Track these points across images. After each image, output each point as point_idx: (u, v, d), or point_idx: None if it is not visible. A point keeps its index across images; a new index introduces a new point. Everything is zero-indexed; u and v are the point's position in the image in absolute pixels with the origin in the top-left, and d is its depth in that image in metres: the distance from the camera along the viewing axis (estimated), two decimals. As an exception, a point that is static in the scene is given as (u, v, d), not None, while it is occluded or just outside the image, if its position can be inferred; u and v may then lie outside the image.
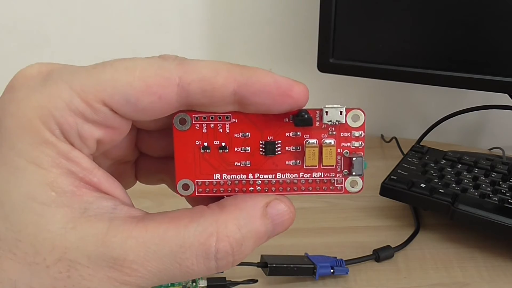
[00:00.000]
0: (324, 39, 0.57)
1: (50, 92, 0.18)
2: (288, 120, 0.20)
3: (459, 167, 0.56)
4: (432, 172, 0.55)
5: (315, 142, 0.20)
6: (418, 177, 0.53)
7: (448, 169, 0.55)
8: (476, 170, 0.55)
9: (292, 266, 0.43)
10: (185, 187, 0.20)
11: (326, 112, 0.20)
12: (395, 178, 0.53)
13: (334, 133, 0.20)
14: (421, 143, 0.65)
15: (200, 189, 0.20)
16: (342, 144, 0.20)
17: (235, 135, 0.20)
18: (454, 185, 0.52)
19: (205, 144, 0.20)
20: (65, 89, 0.18)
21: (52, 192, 0.18)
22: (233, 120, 0.20)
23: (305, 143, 0.20)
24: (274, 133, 0.20)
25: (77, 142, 0.19)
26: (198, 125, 0.20)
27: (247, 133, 0.20)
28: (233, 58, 0.74)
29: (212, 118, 0.20)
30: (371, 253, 0.48)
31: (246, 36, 0.72)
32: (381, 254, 0.48)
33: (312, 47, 0.59)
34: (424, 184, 0.52)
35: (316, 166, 0.20)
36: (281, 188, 0.21)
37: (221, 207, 0.19)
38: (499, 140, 0.75)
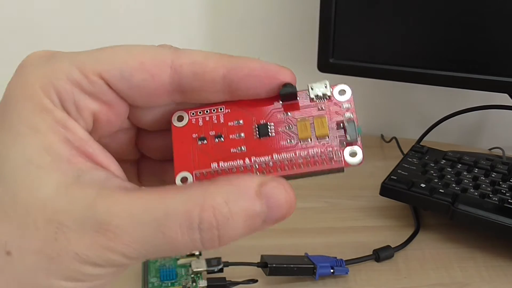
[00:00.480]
0: (324, 39, 0.57)
1: (53, 66, 0.19)
2: (278, 102, 0.21)
3: (459, 167, 0.56)
4: (432, 172, 0.55)
5: (306, 117, 0.20)
6: (418, 177, 0.53)
7: (448, 169, 0.55)
8: (476, 170, 0.55)
9: (292, 266, 0.43)
10: (184, 180, 0.20)
11: (312, 87, 0.21)
12: (395, 178, 0.53)
13: (323, 108, 0.21)
14: (421, 143, 0.65)
15: (198, 180, 0.20)
16: (333, 118, 0.21)
17: (229, 123, 0.21)
18: (454, 185, 0.52)
19: (202, 136, 0.21)
20: (66, 63, 0.19)
21: (48, 157, 0.18)
22: (226, 110, 0.21)
23: (297, 119, 0.20)
24: (266, 117, 0.21)
25: (73, 112, 0.19)
26: (194, 119, 0.21)
27: (240, 120, 0.21)
28: (233, 58, 0.74)
29: (207, 111, 0.21)
30: (371, 253, 0.48)
31: (246, 36, 0.72)
32: (381, 254, 0.48)
33: (312, 47, 0.59)
34: (424, 184, 0.52)
35: (309, 137, 0.20)
36: (279, 168, 0.20)
37: (212, 181, 0.19)
38: (499, 140, 0.75)
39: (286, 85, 0.20)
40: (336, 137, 0.20)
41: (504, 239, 0.49)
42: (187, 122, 0.21)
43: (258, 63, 0.21)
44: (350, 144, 0.20)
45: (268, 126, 0.20)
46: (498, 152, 0.68)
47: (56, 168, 0.18)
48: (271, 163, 0.20)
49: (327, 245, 0.50)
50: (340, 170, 0.20)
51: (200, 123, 0.21)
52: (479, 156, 0.58)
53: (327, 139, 0.20)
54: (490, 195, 0.50)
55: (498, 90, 0.54)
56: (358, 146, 0.20)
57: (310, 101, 0.21)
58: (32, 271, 0.18)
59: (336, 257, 0.46)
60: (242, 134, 0.20)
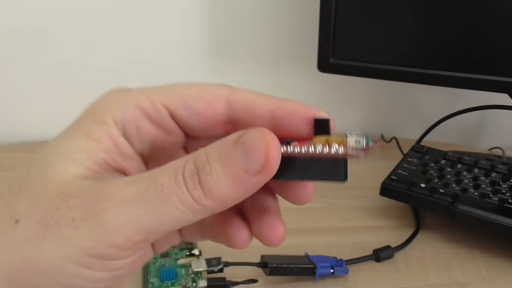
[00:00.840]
0: (324, 39, 0.57)
1: (125, 94, 0.23)
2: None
3: (459, 167, 0.56)
4: (432, 172, 0.55)
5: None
6: (418, 177, 0.53)
7: (448, 169, 0.55)
8: (476, 170, 0.55)
9: (292, 266, 0.43)
10: None
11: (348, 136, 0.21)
12: (395, 178, 0.53)
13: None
14: (421, 143, 0.65)
15: None
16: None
17: None
18: (454, 185, 0.52)
19: None
20: (137, 93, 0.23)
21: (85, 155, 0.21)
22: None
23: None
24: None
25: (133, 133, 0.22)
26: None
27: None
28: (233, 58, 0.74)
29: None
30: (371, 253, 0.48)
31: (246, 36, 0.72)
32: (381, 254, 0.48)
33: (312, 47, 0.59)
34: (424, 184, 0.52)
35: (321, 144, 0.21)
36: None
37: None
38: (499, 140, 0.75)
39: (319, 120, 0.22)
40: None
41: (504, 239, 0.49)
42: None
43: (301, 104, 0.23)
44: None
45: (292, 142, 0.21)
46: (498, 152, 0.68)
47: (86, 166, 0.21)
48: None
49: (327, 245, 0.50)
50: (343, 160, 0.21)
51: None
52: (479, 156, 0.58)
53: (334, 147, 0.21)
54: (490, 195, 0.50)
55: (498, 90, 0.54)
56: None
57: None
58: (31, 239, 0.19)
59: (336, 257, 0.46)
60: None
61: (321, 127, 0.21)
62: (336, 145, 0.20)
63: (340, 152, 0.20)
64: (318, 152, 0.20)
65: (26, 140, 0.75)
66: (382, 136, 0.76)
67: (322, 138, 0.21)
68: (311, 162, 0.20)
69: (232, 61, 0.74)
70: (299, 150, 0.20)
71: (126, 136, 0.22)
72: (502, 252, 0.49)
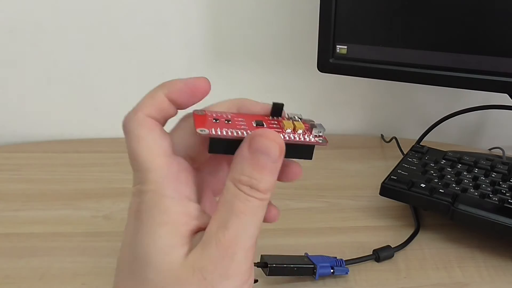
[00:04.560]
0: (324, 39, 0.57)
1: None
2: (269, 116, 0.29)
3: (459, 167, 0.56)
4: (432, 172, 0.55)
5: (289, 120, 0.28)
6: (418, 177, 0.53)
7: (448, 169, 0.55)
8: (476, 170, 0.55)
9: (292, 266, 0.43)
10: (203, 131, 0.26)
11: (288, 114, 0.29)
12: (395, 178, 0.53)
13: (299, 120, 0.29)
14: (421, 143, 0.65)
15: (213, 133, 0.26)
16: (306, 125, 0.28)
17: (235, 118, 0.28)
18: (454, 185, 0.52)
19: (216, 118, 0.27)
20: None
21: (174, 238, 0.25)
22: (233, 114, 0.28)
23: (282, 120, 0.29)
24: (262, 118, 0.29)
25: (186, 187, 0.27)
26: (209, 113, 0.28)
27: (243, 119, 0.28)
28: (233, 58, 0.74)
29: (219, 113, 0.28)
30: (371, 253, 0.48)
31: (246, 36, 0.72)
32: (381, 254, 0.48)
33: (312, 47, 0.60)
34: (424, 184, 0.52)
35: (290, 128, 0.27)
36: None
37: None
38: (499, 140, 0.75)
39: (276, 103, 0.29)
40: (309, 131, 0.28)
41: (504, 239, 0.49)
42: (205, 113, 0.28)
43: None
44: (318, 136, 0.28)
45: (263, 122, 0.28)
46: (498, 152, 0.68)
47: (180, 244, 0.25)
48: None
49: (327, 245, 0.50)
50: (310, 148, 0.27)
51: (214, 115, 0.28)
52: (479, 156, 0.58)
53: (300, 131, 0.28)
54: (490, 195, 0.50)
55: (498, 90, 0.54)
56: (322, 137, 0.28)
57: (288, 119, 0.29)
58: None
59: (336, 257, 0.46)
60: (244, 124, 0.27)
61: (276, 110, 0.28)
62: (309, 135, 0.27)
63: (312, 140, 0.27)
64: (297, 139, 0.27)
65: (26, 140, 0.75)
66: (382, 136, 0.76)
67: (289, 124, 0.27)
68: (292, 146, 0.26)
69: (232, 61, 0.74)
70: (287, 138, 0.27)
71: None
72: (502, 252, 0.49)
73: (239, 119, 0.27)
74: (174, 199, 0.25)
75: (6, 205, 0.56)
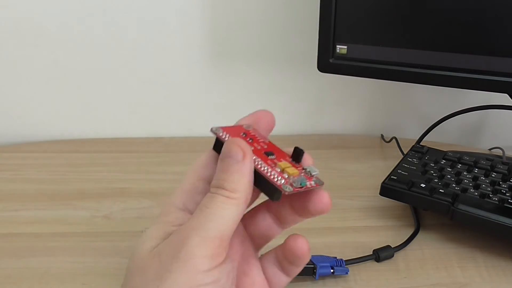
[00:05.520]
0: (324, 39, 0.57)
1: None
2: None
3: (459, 167, 0.56)
4: (432, 172, 0.55)
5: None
6: (418, 177, 0.53)
7: (448, 169, 0.55)
8: (476, 170, 0.55)
9: (292, 266, 0.43)
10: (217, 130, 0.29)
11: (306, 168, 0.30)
12: (395, 178, 0.53)
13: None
14: (421, 143, 0.65)
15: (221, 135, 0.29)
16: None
17: (258, 141, 0.30)
18: (454, 185, 0.52)
19: (245, 133, 0.30)
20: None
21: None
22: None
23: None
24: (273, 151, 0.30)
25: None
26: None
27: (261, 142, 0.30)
28: (233, 58, 0.74)
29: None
30: (371, 253, 0.48)
31: (246, 36, 0.72)
32: (381, 254, 0.48)
33: (312, 47, 0.60)
34: (424, 184, 0.52)
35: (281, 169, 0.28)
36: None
37: None
38: (499, 140, 0.75)
39: (299, 151, 0.29)
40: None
41: (504, 239, 0.49)
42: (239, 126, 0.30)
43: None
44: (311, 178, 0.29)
45: (273, 153, 0.29)
46: (498, 152, 0.68)
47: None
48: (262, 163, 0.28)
49: (327, 245, 0.50)
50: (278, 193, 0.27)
51: (245, 129, 0.30)
52: (479, 156, 0.58)
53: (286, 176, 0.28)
54: (490, 195, 0.50)
55: (498, 90, 0.54)
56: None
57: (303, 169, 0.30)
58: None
59: (336, 257, 0.46)
60: (259, 147, 0.29)
61: (296, 154, 0.29)
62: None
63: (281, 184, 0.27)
64: (266, 173, 0.27)
65: (26, 140, 0.75)
66: (382, 136, 0.76)
67: (287, 164, 0.28)
68: (262, 178, 0.27)
69: (232, 61, 0.74)
70: (259, 166, 0.27)
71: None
72: (502, 252, 0.49)
73: (261, 143, 0.29)
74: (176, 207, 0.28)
75: (6, 205, 0.56)
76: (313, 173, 0.28)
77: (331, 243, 0.50)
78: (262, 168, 0.27)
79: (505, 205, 0.48)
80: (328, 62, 0.58)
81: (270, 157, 0.28)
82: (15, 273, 0.45)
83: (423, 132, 0.67)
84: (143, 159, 0.69)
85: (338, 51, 0.57)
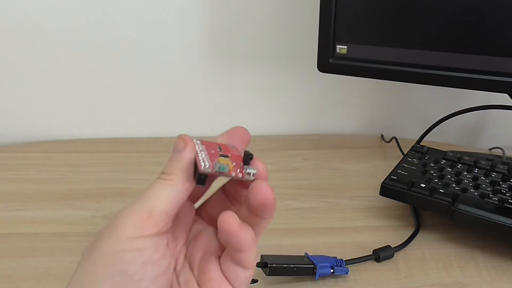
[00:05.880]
0: (324, 39, 0.57)
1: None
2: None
3: (459, 167, 0.56)
4: (432, 172, 0.55)
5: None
6: (418, 177, 0.53)
7: (448, 169, 0.55)
8: (476, 170, 0.55)
9: (292, 266, 0.43)
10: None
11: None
12: (395, 178, 0.53)
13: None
14: (421, 143, 0.65)
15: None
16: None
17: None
18: (454, 185, 0.52)
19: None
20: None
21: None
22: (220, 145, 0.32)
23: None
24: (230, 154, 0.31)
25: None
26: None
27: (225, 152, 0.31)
28: (233, 58, 0.74)
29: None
30: (371, 253, 0.48)
31: (246, 36, 0.72)
32: (381, 254, 0.48)
33: (312, 47, 0.60)
34: (424, 184, 0.52)
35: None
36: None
37: None
38: (499, 140, 0.75)
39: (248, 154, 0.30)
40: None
41: (504, 239, 0.49)
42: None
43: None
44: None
45: (228, 156, 0.30)
46: (498, 152, 0.68)
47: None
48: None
49: (327, 245, 0.50)
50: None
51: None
52: (479, 156, 0.58)
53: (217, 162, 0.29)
54: (490, 195, 0.50)
55: (498, 90, 0.54)
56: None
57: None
58: None
59: (336, 257, 0.46)
60: (219, 150, 0.31)
61: (245, 157, 0.30)
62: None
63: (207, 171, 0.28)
64: (199, 156, 0.29)
65: (26, 140, 0.75)
66: (382, 136, 0.76)
67: (226, 160, 0.30)
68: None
69: (232, 61, 0.74)
70: (198, 152, 0.29)
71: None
72: (502, 252, 0.49)
73: (230, 151, 0.31)
74: None
75: (6, 205, 0.56)
76: (248, 170, 0.29)
77: (331, 243, 0.50)
78: (199, 155, 0.29)
79: (505, 205, 0.48)
80: (328, 62, 0.58)
81: (222, 156, 0.29)
82: (15, 273, 0.45)
83: (423, 132, 0.67)
84: (143, 159, 0.69)
85: (338, 51, 0.57)
